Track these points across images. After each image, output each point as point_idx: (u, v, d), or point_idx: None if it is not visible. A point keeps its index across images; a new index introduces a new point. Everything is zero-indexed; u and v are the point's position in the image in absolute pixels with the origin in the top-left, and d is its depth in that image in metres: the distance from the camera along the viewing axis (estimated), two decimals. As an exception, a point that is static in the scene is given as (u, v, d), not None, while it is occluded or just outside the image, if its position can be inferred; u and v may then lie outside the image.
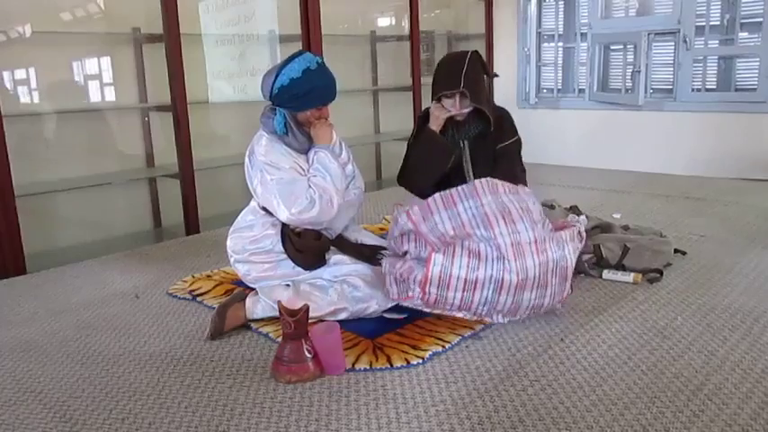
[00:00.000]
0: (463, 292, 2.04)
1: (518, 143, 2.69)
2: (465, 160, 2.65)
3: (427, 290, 2.04)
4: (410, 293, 2.08)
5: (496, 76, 2.69)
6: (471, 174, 2.63)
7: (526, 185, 2.58)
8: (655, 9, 5.00)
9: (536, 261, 2.03)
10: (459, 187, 2.16)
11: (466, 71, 2.52)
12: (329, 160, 2.27)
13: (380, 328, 2.16)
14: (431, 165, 2.60)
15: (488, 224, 2.06)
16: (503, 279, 2.01)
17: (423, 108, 2.85)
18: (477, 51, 2.62)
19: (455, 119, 2.61)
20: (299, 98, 2.24)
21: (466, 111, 2.58)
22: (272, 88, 2.24)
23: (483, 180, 2.18)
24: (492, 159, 2.63)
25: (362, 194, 2.51)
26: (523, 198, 2.17)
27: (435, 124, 2.60)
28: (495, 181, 2.19)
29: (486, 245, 2.04)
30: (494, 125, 2.62)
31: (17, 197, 3.06)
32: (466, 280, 2.02)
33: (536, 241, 2.05)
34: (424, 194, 2.62)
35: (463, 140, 2.64)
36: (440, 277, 2.02)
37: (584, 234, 2.26)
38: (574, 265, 2.15)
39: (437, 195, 2.17)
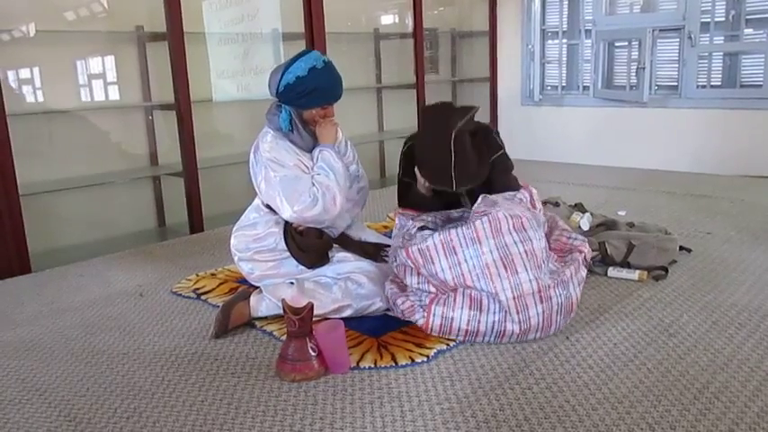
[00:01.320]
0: (465, 336, 2.04)
1: (505, 153, 2.46)
2: (462, 195, 2.41)
3: (429, 333, 2.06)
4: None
5: (478, 109, 2.41)
6: (467, 199, 2.42)
7: (519, 185, 2.45)
8: (659, 5, 4.98)
9: (539, 310, 1.99)
10: (460, 230, 2.03)
11: (455, 164, 2.17)
12: (333, 159, 2.26)
13: (385, 327, 2.16)
14: (428, 209, 2.42)
15: (489, 277, 1.99)
16: (504, 330, 2.00)
17: (423, 104, 2.67)
18: (459, 128, 2.20)
19: None
20: (305, 96, 2.23)
21: None
22: (278, 85, 2.24)
23: (485, 219, 2.03)
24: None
25: (367, 194, 2.50)
26: (529, 236, 2.05)
27: (426, 191, 2.39)
28: (500, 217, 2.03)
29: (486, 295, 2.01)
30: (479, 141, 2.34)
31: (22, 196, 3.06)
32: (467, 331, 2.02)
33: (539, 290, 1.99)
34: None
35: None
36: (440, 327, 2.03)
37: (589, 258, 2.22)
38: (580, 296, 2.10)
39: (437, 240, 2.04)
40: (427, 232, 2.17)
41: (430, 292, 2.09)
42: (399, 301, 2.11)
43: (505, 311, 1.98)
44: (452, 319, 2.01)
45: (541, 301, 1.99)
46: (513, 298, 1.97)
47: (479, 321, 1.99)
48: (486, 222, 2.03)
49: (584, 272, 2.15)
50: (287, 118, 2.27)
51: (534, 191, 2.35)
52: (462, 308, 2.00)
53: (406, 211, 2.43)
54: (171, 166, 3.81)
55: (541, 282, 2.00)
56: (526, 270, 2.00)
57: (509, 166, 2.51)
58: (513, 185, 2.42)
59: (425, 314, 2.04)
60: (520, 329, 1.98)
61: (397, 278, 2.20)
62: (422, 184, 2.37)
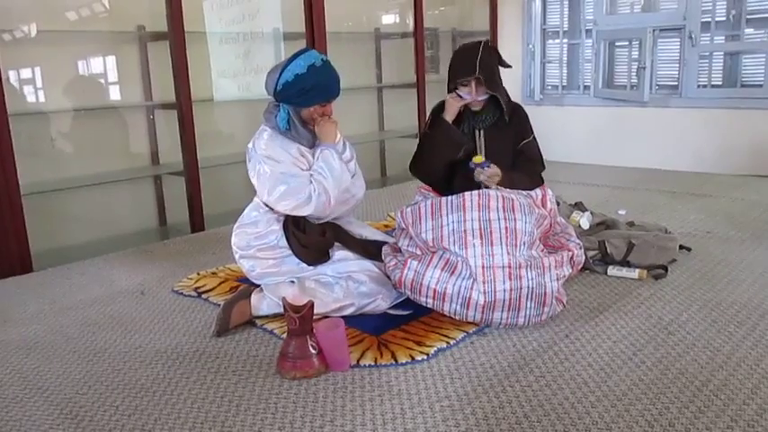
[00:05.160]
0: (433, 299, 2.09)
1: (536, 142, 2.67)
2: (480, 150, 2.65)
3: (402, 290, 2.16)
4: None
5: (509, 66, 2.66)
6: (482, 142, 2.63)
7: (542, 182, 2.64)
8: (660, 5, 4.98)
9: (507, 286, 2.02)
10: (450, 198, 2.18)
11: (481, 57, 2.52)
12: (333, 159, 2.28)
13: (385, 325, 2.16)
14: (440, 155, 2.60)
15: (464, 243, 2.07)
16: (470, 297, 2.03)
17: (430, 104, 2.84)
18: (489, 40, 2.64)
19: (470, 107, 2.61)
20: (304, 94, 2.25)
21: (481, 99, 2.57)
22: (276, 84, 2.25)
23: (475, 193, 2.18)
24: (512, 153, 2.62)
25: (362, 192, 2.50)
26: (515, 217, 2.12)
27: (450, 113, 2.59)
28: (490, 194, 2.17)
29: (461, 261, 2.06)
30: (512, 118, 2.61)
31: (23, 196, 3.07)
32: (435, 291, 2.07)
33: (509, 266, 2.03)
34: (436, 184, 2.65)
35: (479, 129, 2.65)
36: (412, 283, 2.10)
37: (581, 260, 2.24)
38: (556, 290, 2.08)
39: (428, 202, 2.21)
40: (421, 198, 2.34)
41: (415, 254, 2.18)
42: (388, 259, 2.23)
43: (473, 278, 2.02)
44: (424, 275, 2.08)
45: (510, 278, 2.02)
46: (482, 266, 2.03)
47: (448, 283, 2.05)
48: (474, 195, 2.15)
49: (567, 270, 2.16)
50: (285, 117, 2.28)
51: (550, 192, 2.36)
52: (436, 267, 2.08)
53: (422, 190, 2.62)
54: (172, 165, 3.82)
55: (513, 259, 2.05)
56: (501, 244, 2.06)
57: (537, 157, 2.62)
58: (533, 180, 2.59)
59: (401, 271, 2.12)
60: (485, 300, 2.01)
61: (396, 245, 2.32)
62: (449, 103, 2.57)
